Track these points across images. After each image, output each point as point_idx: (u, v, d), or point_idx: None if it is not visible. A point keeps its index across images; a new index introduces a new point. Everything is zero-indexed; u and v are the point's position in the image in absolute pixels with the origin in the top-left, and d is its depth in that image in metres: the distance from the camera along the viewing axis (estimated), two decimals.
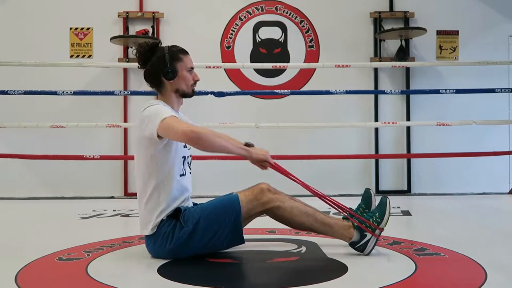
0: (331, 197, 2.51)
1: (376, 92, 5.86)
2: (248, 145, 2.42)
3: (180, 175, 2.40)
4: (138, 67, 2.51)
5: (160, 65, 2.42)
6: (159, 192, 2.34)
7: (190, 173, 2.51)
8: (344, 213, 2.49)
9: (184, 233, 2.30)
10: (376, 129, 5.89)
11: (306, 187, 2.46)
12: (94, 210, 4.35)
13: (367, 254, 2.39)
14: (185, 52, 2.50)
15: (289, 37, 5.99)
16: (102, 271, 2.17)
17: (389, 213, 2.40)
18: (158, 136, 2.27)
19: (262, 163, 2.38)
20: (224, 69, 5.84)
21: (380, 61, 5.78)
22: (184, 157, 2.44)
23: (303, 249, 2.58)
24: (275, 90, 5.51)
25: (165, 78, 2.43)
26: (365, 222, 2.38)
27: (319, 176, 5.53)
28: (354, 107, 5.93)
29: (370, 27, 5.95)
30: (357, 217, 2.43)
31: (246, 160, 2.39)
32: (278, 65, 5.42)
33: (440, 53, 5.97)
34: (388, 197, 2.45)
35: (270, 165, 2.39)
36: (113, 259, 2.44)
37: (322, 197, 2.47)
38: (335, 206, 2.48)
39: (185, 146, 2.44)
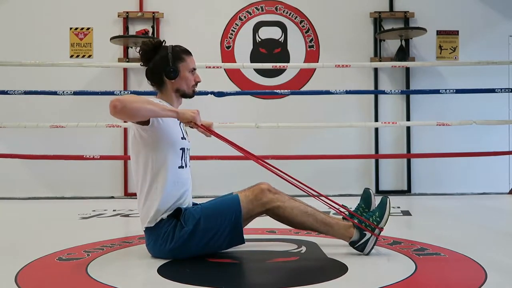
0: (330, 197, 2.51)
1: (376, 92, 5.86)
2: None
3: (179, 167, 2.40)
4: (140, 64, 2.51)
5: (162, 64, 2.42)
6: (157, 185, 2.33)
7: (189, 166, 2.50)
8: (343, 214, 2.50)
9: (185, 233, 2.30)
10: (376, 129, 5.89)
11: (330, 203, 2.46)
12: (94, 210, 4.35)
13: (367, 254, 2.39)
14: (188, 53, 2.50)
15: (289, 37, 5.99)
16: (102, 271, 2.17)
17: (389, 212, 2.40)
18: (137, 123, 2.29)
19: (189, 123, 2.35)
20: (224, 69, 5.84)
21: (380, 61, 5.78)
22: (183, 149, 2.43)
23: (303, 249, 2.58)
24: (275, 90, 5.51)
25: (166, 78, 2.44)
26: (364, 222, 2.39)
27: (319, 176, 5.54)
28: (354, 107, 5.93)
29: (370, 27, 5.95)
30: (357, 216, 2.43)
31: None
32: (278, 65, 5.42)
33: (440, 53, 5.97)
34: (389, 197, 2.46)
35: (197, 126, 2.37)
36: (113, 259, 2.43)
37: (294, 184, 2.45)
38: (329, 204, 2.48)
39: (183, 138, 2.44)
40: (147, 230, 2.38)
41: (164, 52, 2.44)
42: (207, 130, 2.49)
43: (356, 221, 2.41)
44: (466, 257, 2.37)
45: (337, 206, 2.49)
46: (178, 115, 2.29)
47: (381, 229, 2.39)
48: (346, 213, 2.49)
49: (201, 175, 5.34)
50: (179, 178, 2.39)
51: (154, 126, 2.32)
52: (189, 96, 2.51)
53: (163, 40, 2.53)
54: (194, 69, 2.51)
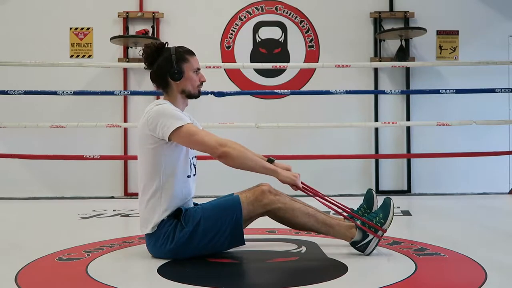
0: (332, 198, 2.51)
1: (376, 92, 5.86)
2: (270, 160, 2.43)
3: (187, 176, 2.41)
4: (144, 67, 2.51)
5: (166, 66, 2.42)
6: (162, 192, 2.33)
7: (195, 175, 2.51)
8: (347, 216, 2.49)
9: (185, 234, 2.30)
10: (376, 129, 5.88)
11: (336, 209, 2.48)
12: (94, 210, 4.35)
13: (368, 254, 2.39)
14: (191, 53, 2.49)
15: (289, 37, 5.99)
16: (102, 271, 2.17)
17: (393, 214, 2.39)
18: (169, 139, 2.28)
19: (290, 185, 2.37)
20: (224, 69, 5.84)
21: (380, 61, 5.78)
22: (191, 158, 2.44)
23: (303, 249, 2.58)
24: (275, 90, 5.50)
25: (171, 79, 2.43)
26: (367, 224, 2.38)
27: (319, 176, 5.54)
28: (354, 107, 5.93)
29: (370, 27, 5.95)
30: (360, 219, 2.42)
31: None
32: (278, 65, 5.42)
33: (440, 53, 5.97)
34: (392, 197, 2.45)
35: (298, 189, 2.39)
36: (113, 259, 2.43)
37: (348, 214, 2.48)
38: (346, 215, 2.48)
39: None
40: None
41: (168, 54, 2.43)
42: (309, 192, 2.46)
43: (359, 223, 2.40)
44: (466, 257, 2.37)
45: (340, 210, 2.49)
46: (279, 176, 2.33)
47: (385, 230, 2.38)
48: (350, 216, 2.49)
49: (202, 175, 5.32)
50: (185, 187, 2.40)
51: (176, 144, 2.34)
52: (195, 96, 2.51)
53: (166, 42, 2.52)
54: (198, 69, 2.50)
